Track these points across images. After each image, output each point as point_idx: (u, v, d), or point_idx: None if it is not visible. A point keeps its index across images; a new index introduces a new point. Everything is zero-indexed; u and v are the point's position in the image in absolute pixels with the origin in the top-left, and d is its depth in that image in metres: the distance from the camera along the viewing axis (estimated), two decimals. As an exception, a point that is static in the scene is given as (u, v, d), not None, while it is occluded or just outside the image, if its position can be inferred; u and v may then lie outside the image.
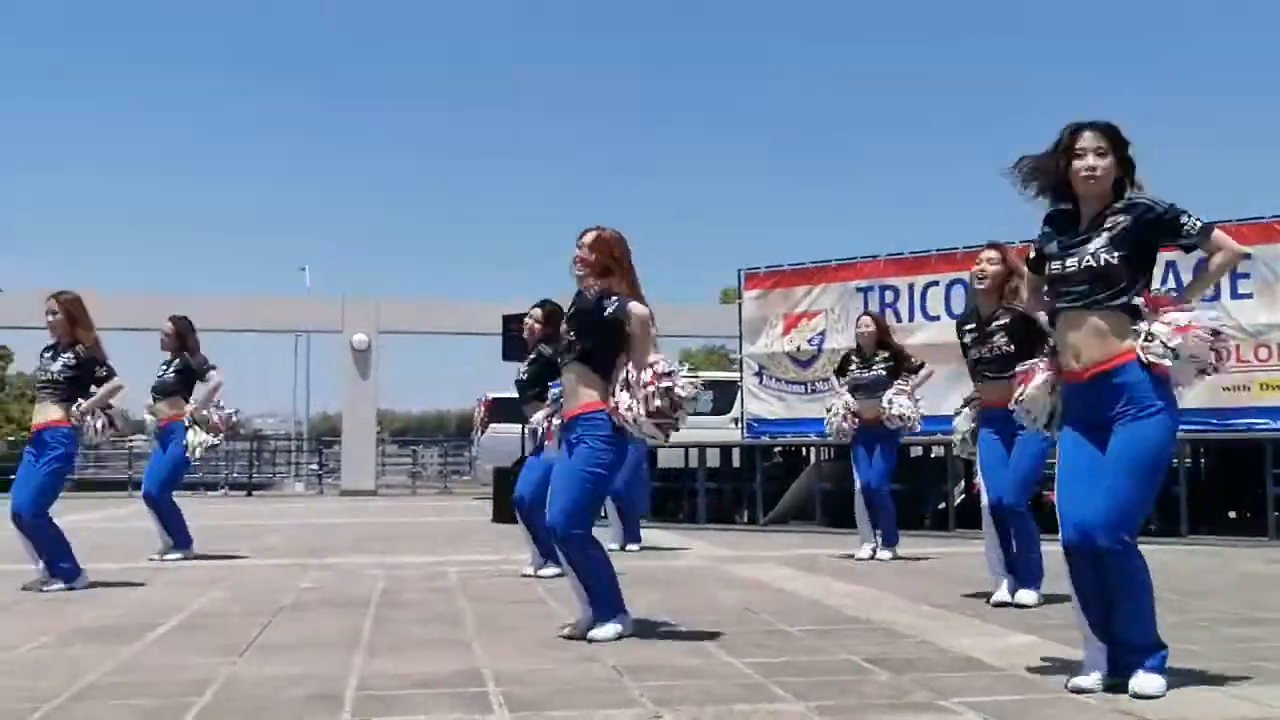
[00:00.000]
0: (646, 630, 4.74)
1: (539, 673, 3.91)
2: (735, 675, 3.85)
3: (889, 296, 11.98)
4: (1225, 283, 10.08)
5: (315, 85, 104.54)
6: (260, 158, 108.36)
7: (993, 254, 5.94)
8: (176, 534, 8.10)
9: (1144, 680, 3.43)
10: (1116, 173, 3.65)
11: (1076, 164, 3.64)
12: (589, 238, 4.77)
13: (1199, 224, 3.60)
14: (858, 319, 8.70)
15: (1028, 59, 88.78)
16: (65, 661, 4.16)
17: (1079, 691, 3.50)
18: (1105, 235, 3.59)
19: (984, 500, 5.91)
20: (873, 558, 8.00)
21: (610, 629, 4.57)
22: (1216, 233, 3.66)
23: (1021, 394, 3.95)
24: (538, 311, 7.23)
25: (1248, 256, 3.60)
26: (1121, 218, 3.60)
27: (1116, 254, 3.55)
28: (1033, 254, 3.89)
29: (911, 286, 11.78)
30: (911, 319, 11.61)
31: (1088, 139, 3.63)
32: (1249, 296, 9.98)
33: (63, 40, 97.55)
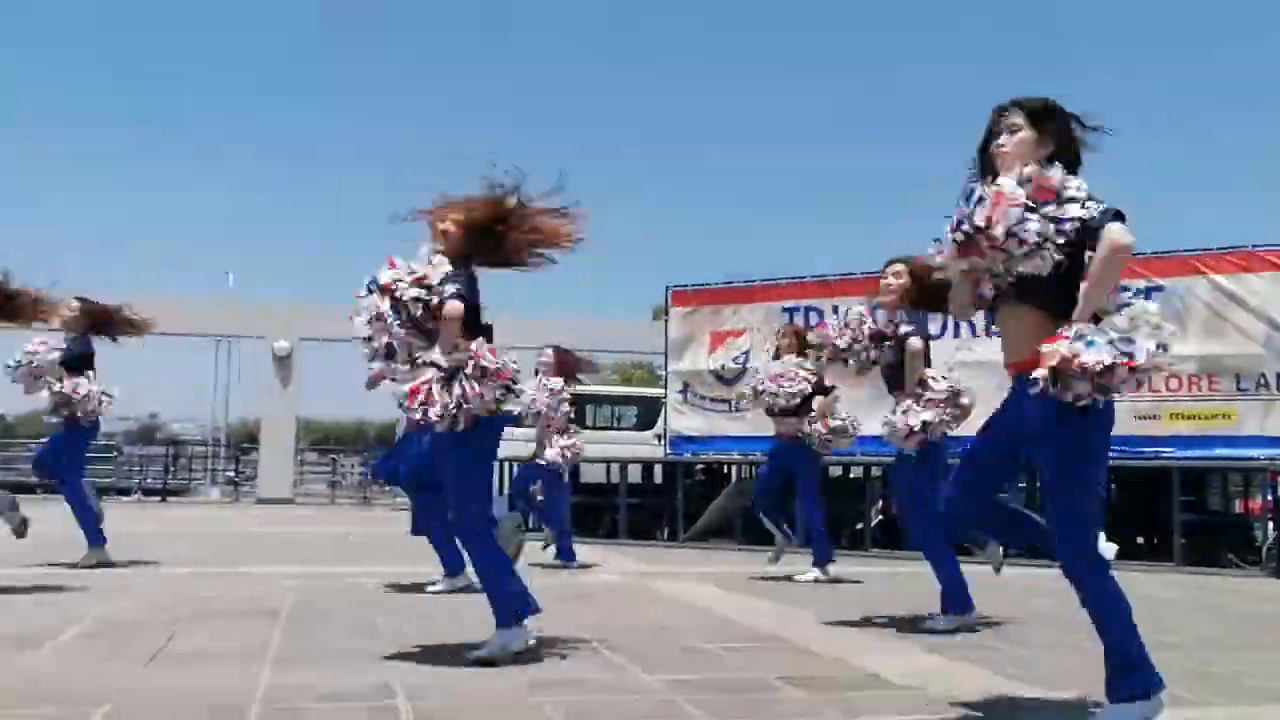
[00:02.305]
0: (561, 645, 4.72)
1: (450, 686, 3.87)
2: (648, 691, 3.85)
3: (814, 317, 12.08)
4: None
5: (242, 87, 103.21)
6: (186, 159, 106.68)
7: (898, 267, 6.00)
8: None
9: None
10: (1040, 149, 3.37)
11: (993, 145, 3.46)
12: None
13: (1103, 210, 3.23)
14: (779, 329, 8.84)
15: (966, 84, 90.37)
16: (-40, 669, 4.03)
17: None
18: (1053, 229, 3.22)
19: None
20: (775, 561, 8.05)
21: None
22: (1110, 225, 3.19)
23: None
24: None
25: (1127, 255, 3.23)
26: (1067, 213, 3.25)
27: (1062, 251, 3.21)
28: None
29: (836, 308, 11.84)
30: (836, 340, 11.72)
31: (1001, 119, 3.44)
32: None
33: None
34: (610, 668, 4.30)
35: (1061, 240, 3.18)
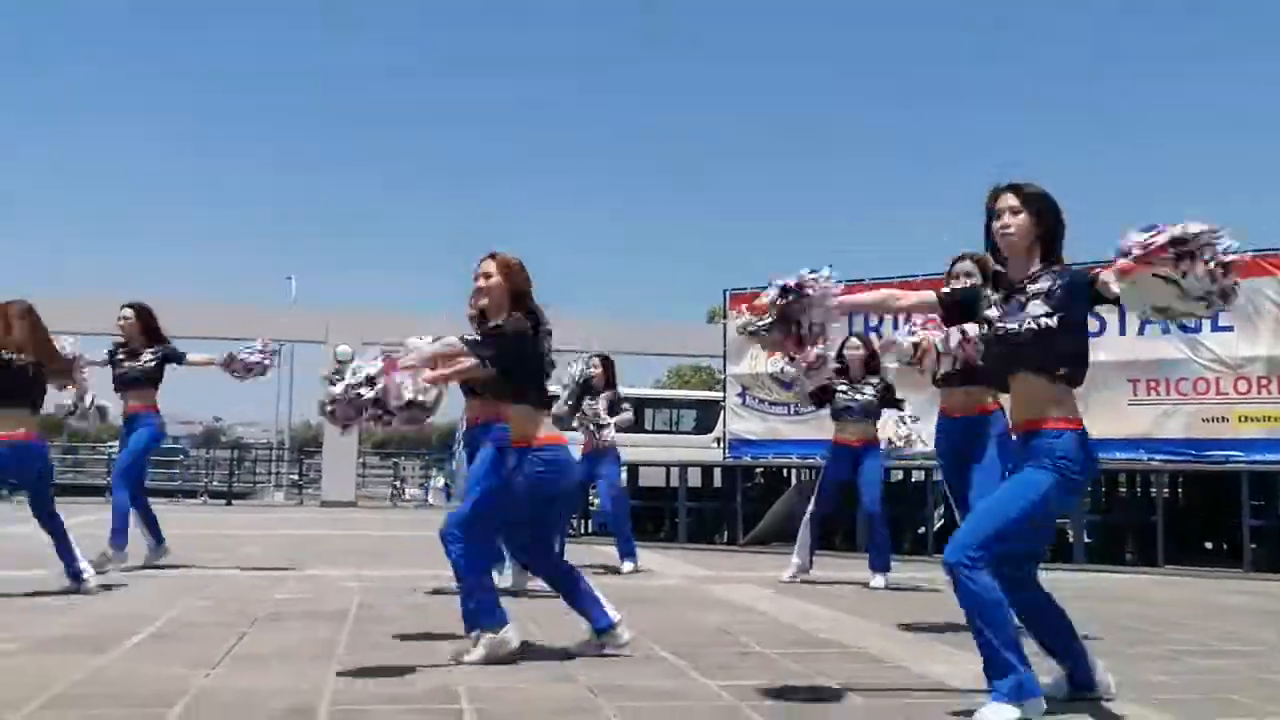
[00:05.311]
0: (622, 650, 4.73)
1: (513, 691, 3.91)
2: (709, 697, 3.85)
3: (874, 320, 12.01)
4: (1206, 316, 10.16)
5: (311, 96, 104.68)
6: (251, 168, 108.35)
7: (967, 264, 5.86)
8: (117, 534, 7.74)
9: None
10: (1037, 230, 3.71)
11: (995, 224, 3.77)
12: (493, 265, 4.73)
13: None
14: (845, 340, 8.41)
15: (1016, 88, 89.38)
16: (34, 671, 4.12)
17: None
18: (1042, 300, 3.62)
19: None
20: (794, 580, 8.00)
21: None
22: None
23: None
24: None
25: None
26: (1056, 282, 3.63)
27: (1055, 318, 3.58)
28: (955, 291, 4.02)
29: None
30: (896, 344, 11.61)
31: (1002, 200, 3.75)
32: (1229, 329, 10.04)
33: (54, 50, 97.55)
34: (671, 673, 4.31)
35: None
